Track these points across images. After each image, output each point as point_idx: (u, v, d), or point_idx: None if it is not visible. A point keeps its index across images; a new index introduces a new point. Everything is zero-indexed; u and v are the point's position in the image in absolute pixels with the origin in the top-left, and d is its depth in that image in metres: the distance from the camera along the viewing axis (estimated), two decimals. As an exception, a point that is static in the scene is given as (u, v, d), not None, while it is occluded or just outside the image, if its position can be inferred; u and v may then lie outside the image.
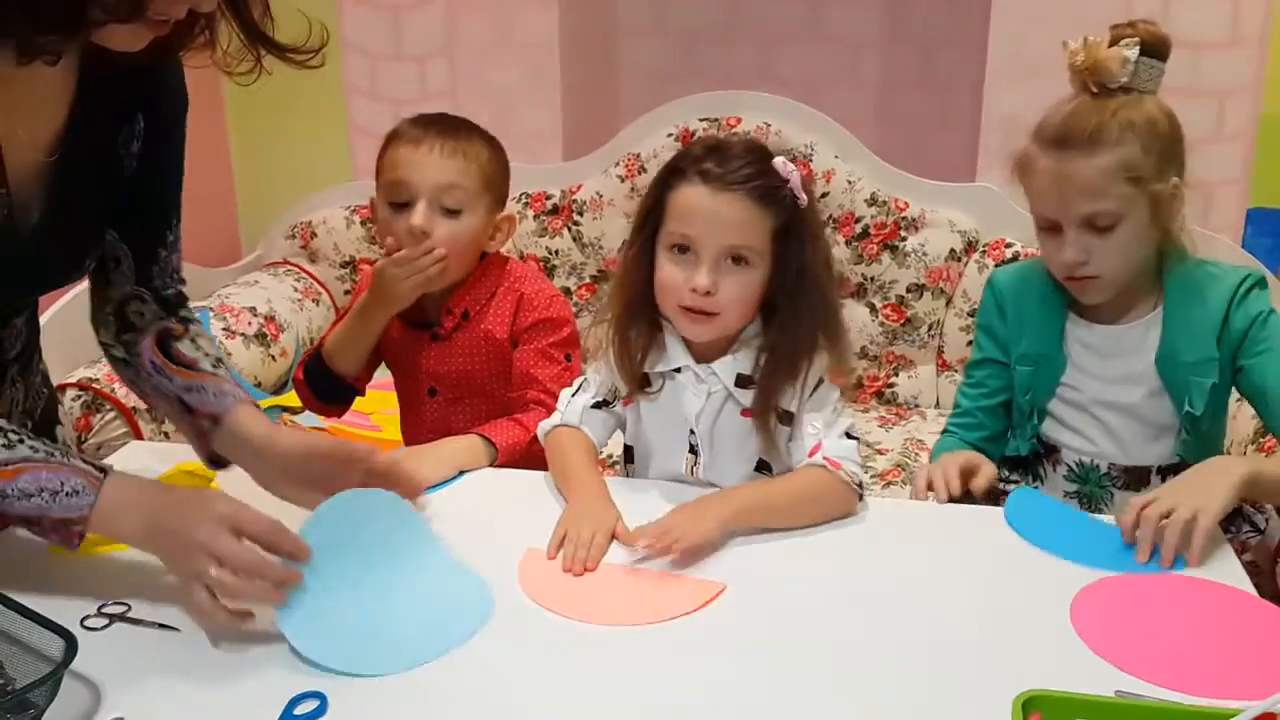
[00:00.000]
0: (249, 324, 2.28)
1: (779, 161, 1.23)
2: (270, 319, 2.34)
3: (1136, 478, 1.43)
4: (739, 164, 1.23)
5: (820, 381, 1.29)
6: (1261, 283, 1.40)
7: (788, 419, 1.29)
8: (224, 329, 2.23)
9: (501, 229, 1.57)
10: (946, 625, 1.08)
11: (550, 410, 1.46)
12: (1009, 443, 1.52)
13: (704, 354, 1.31)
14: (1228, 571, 1.18)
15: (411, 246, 1.47)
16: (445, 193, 1.48)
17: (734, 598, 1.12)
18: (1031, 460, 1.51)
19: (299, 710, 0.93)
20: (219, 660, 1.01)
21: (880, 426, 2.30)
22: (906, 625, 1.08)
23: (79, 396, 1.90)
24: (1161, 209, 1.34)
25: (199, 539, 1.00)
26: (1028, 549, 1.23)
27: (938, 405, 2.41)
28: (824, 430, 1.28)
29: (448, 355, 1.57)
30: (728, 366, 1.30)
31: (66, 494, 1.02)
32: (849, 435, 1.31)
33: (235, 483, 1.17)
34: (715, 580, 1.14)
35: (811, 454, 1.27)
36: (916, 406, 2.41)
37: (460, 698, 0.97)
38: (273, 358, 2.27)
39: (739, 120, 2.41)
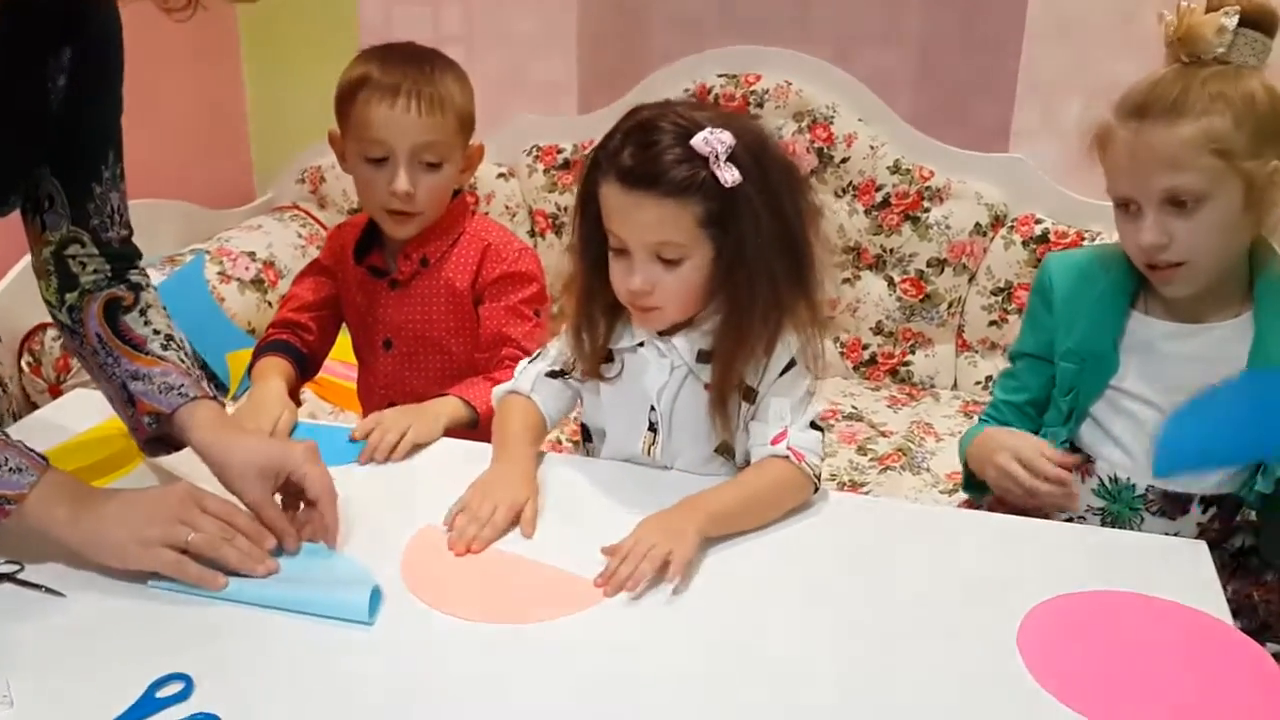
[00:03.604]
0: (246, 269, 2.24)
1: (699, 140, 1.09)
2: (269, 264, 2.30)
3: (1175, 505, 1.30)
4: (655, 153, 1.11)
5: (792, 363, 1.20)
6: None
7: (751, 395, 1.21)
8: (219, 273, 2.20)
9: (473, 161, 1.51)
10: (880, 640, 1.00)
11: None
12: None
13: (667, 328, 1.24)
14: (1203, 594, 1.07)
15: (395, 206, 1.44)
16: (425, 150, 1.43)
17: (628, 598, 1.04)
18: None
19: (162, 693, 0.88)
20: (96, 631, 0.97)
21: (889, 407, 2.20)
22: (832, 635, 1.00)
23: (59, 337, 1.88)
24: (1257, 194, 1.20)
25: (169, 506, 1.02)
26: (988, 558, 1.13)
27: (955, 387, 2.30)
28: (790, 417, 1.20)
29: (405, 304, 1.51)
30: (688, 341, 1.22)
31: (10, 469, 1.01)
32: (814, 426, 1.22)
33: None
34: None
35: (775, 441, 1.19)
36: (931, 387, 2.30)
37: (331, 686, 0.91)
38: (269, 304, 2.23)
39: (758, 78, 2.30)
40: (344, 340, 1.65)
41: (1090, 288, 1.33)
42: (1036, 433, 1.40)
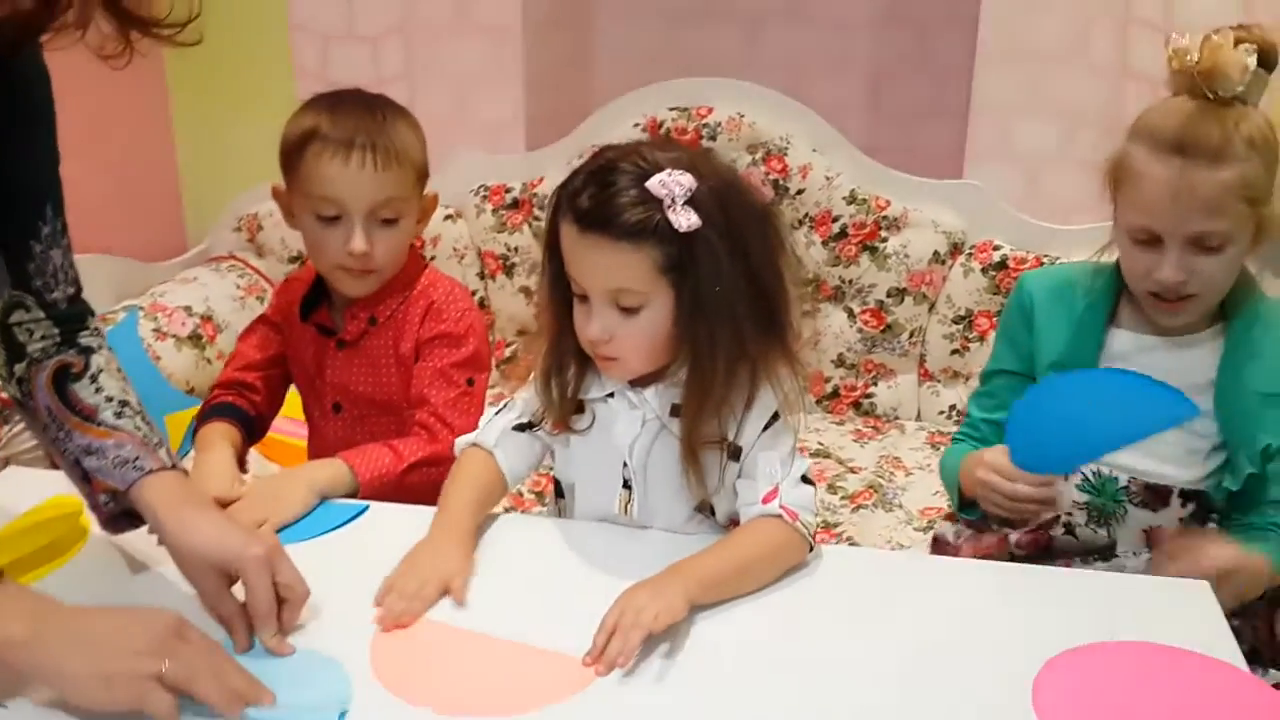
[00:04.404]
0: (182, 324, 2.14)
1: (654, 182, 1.04)
2: (207, 319, 2.19)
3: (1156, 497, 1.33)
4: (610, 194, 1.06)
5: (775, 417, 1.14)
6: None
7: (736, 454, 1.15)
8: (155, 329, 2.09)
9: (428, 211, 1.44)
10: (883, 703, 0.94)
11: (436, 436, 1.33)
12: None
13: (638, 379, 1.18)
14: (1214, 638, 1.03)
15: (351, 265, 1.36)
16: (383, 207, 1.36)
17: (620, 677, 0.97)
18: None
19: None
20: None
21: (855, 441, 2.16)
22: (836, 699, 0.94)
23: (-16, 405, 1.77)
24: (1264, 233, 1.26)
25: (147, 638, 0.87)
26: (992, 609, 1.08)
27: (919, 418, 2.26)
28: (781, 474, 1.14)
29: (353, 365, 1.43)
30: (660, 394, 1.16)
31: None
32: (805, 480, 1.16)
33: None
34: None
35: (766, 500, 1.13)
36: (896, 419, 2.26)
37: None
38: (208, 360, 2.13)
39: (710, 110, 2.25)
40: (293, 396, 1.57)
41: (1069, 304, 1.36)
42: None
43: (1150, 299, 1.29)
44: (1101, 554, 1.36)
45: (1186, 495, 1.33)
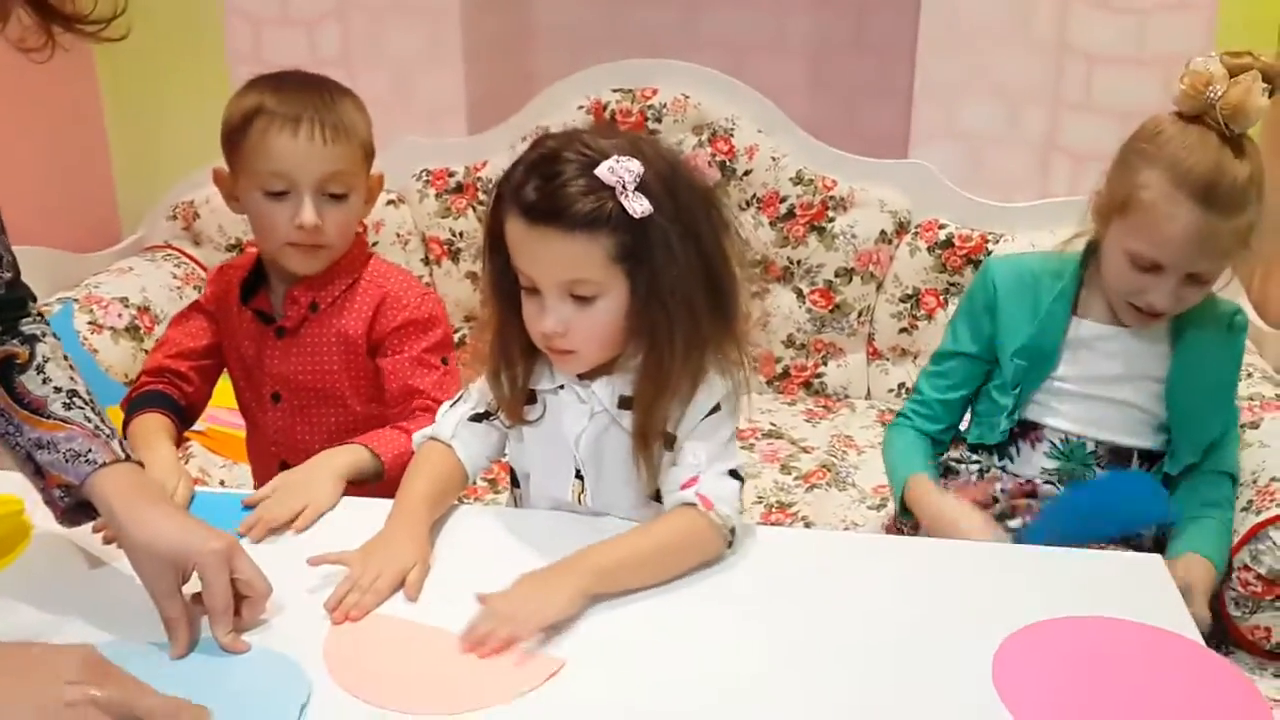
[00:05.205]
0: (119, 316, 2.08)
1: (604, 169, 1.03)
2: (144, 309, 2.13)
3: (1120, 458, 1.43)
4: (558, 185, 1.03)
5: (716, 408, 1.13)
6: (1244, 323, 1.43)
7: (670, 442, 1.14)
8: (90, 322, 2.03)
9: (374, 191, 1.42)
10: (843, 682, 0.94)
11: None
12: (971, 430, 1.50)
13: (587, 371, 1.16)
14: (1169, 612, 1.05)
15: (300, 240, 1.34)
16: (331, 181, 1.34)
17: (579, 674, 0.95)
18: (1004, 443, 1.46)
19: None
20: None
21: (807, 421, 2.16)
22: (792, 687, 0.94)
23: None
24: (1235, 265, 1.36)
25: (80, 671, 0.82)
26: (950, 586, 1.09)
27: (868, 396, 2.27)
28: (706, 463, 1.12)
29: (293, 353, 1.40)
30: (608, 386, 1.15)
31: None
32: (735, 475, 1.14)
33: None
34: (553, 655, 0.97)
35: (685, 486, 1.12)
36: (846, 397, 2.26)
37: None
38: (146, 352, 2.06)
39: (654, 91, 2.23)
40: (230, 387, 1.53)
41: (1034, 293, 1.42)
42: (956, 425, 1.52)
43: (1130, 309, 1.36)
44: None
45: (1143, 456, 1.42)
